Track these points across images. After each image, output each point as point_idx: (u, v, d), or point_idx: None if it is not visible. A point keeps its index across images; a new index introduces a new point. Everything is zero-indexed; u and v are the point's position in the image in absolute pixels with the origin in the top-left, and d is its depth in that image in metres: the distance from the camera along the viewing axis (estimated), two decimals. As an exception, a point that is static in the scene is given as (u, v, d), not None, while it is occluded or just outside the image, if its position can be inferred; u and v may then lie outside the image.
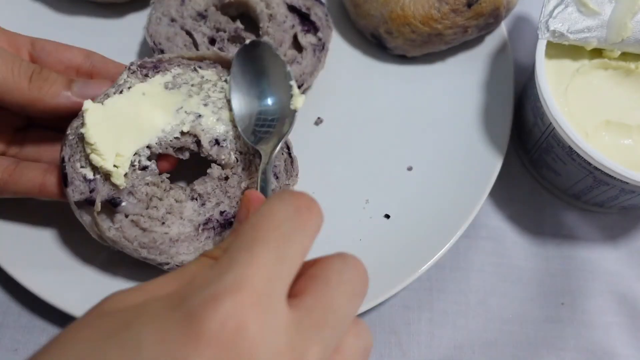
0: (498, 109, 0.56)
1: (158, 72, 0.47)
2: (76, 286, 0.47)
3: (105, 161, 0.43)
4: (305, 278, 0.28)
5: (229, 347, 0.23)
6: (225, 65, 0.49)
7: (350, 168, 0.54)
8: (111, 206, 0.44)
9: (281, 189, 0.47)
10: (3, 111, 0.45)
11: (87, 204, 0.44)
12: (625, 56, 0.50)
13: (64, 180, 0.44)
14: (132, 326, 0.24)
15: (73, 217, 0.45)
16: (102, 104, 0.45)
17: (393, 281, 0.47)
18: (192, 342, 0.23)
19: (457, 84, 0.58)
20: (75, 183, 0.44)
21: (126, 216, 0.44)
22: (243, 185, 0.47)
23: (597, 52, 0.50)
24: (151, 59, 0.48)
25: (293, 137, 0.50)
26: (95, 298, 0.47)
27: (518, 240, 0.55)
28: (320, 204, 0.52)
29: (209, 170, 0.47)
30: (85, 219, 0.44)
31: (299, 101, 0.48)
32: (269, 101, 0.49)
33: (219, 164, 0.47)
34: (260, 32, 0.55)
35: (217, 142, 0.47)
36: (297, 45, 0.55)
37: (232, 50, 0.54)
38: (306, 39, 0.55)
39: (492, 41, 0.59)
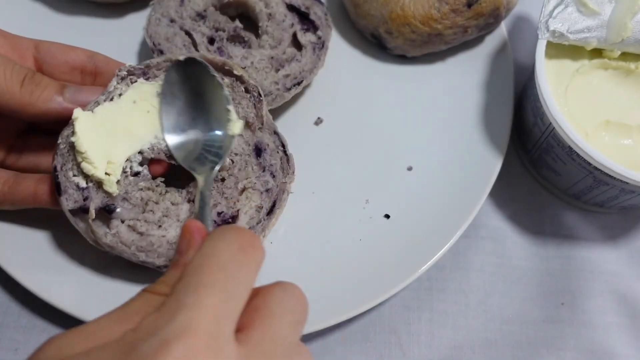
0: (498, 109, 0.56)
1: (147, 77, 0.47)
2: (76, 286, 0.47)
3: (96, 169, 0.43)
4: (249, 311, 0.29)
5: None
6: (216, 67, 0.48)
7: (350, 168, 0.54)
8: (106, 213, 0.44)
9: (278, 187, 0.47)
10: (2, 117, 0.45)
11: (82, 211, 0.44)
12: (625, 56, 0.50)
13: (57, 189, 0.43)
14: None
15: (73, 218, 0.45)
16: (92, 111, 0.44)
17: (393, 281, 0.47)
18: None
19: (457, 84, 0.58)
20: (69, 192, 0.43)
21: (122, 221, 0.44)
22: (240, 185, 0.47)
23: (597, 52, 0.50)
24: (139, 65, 0.47)
25: (293, 137, 0.50)
26: (95, 298, 0.47)
27: (518, 240, 0.55)
28: (320, 204, 0.53)
29: None
30: (80, 225, 0.44)
31: (236, 127, 0.46)
32: (207, 126, 0.46)
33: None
34: (260, 31, 0.55)
35: None
36: (296, 43, 0.55)
37: (231, 49, 0.54)
38: (306, 38, 0.55)
39: (492, 41, 0.59)
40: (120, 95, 0.46)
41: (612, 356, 0.50)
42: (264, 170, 0.48)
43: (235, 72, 0.48)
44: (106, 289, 0.47)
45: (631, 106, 0.49)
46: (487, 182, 0.52)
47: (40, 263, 0.48)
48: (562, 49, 0.50)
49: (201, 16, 0.55)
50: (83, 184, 0.44)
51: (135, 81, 0.46)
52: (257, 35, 0.55)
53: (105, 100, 0.45)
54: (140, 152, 0.46)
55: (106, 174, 0.44)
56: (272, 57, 0.53)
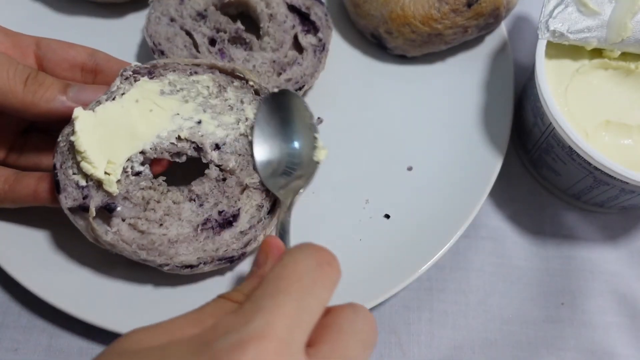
0: (498, 109, 0.56)
1: (153, 77, 0.47)
2: (76, 286, 0.47)
3: (95, 169, 0.43)
4: (320, 327, 0.29)
5: None
6: (222, 71, 0.49)
7: (350, 168, 0.54)
8: (107, 211, 0.44)
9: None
10: (3, 116, 0.45)
11: (81, 209, 0.44)
12: (625, 56, 0.50)
13: (56, 187, 0.43)
14: None
15: (73, 218, 0.45)
16: (94, 111, 0.44)
17: (393, 281, 0.47)
18: None
19: (457, 84, 0.58)
20: (68, 190, 0.43)
21: (123, 220, 0.44)
22: (241, 184, 0.47)
23: (597, 52, 0.50)
24: (145, 64, 0.47)
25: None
26: (95, 297, 0.47)
27: (518, 240, 0.55)
28: (320, 204, 0.53)
29: (206, 171, 0.47)
30: (80, 223, 0.44)
31: (322, 154, 0.49)
32: (295, 149, 0.49)
33: (220, 168, 0.47)
34: (261, 32, 0.55)
35: (217, 146, 0.47)
36: (297, 46, 0.55)
37: (232, 51, 0.54)
38: (306, 40, 0.55)
39: (492, 41, 0.59)
40: (122, 94, 0.45)
41: (612, 356, 0.50)
42: None
43: (246, 77, 0.49)
44: (106, 288, 0.47)
45: (631, 106, 0.49)
46: (487, 182, 0.52)
47: (40, 263, 0.48)
48: (562, 49, 0.50)
49: (202, 16, 0.55)
50: (83, 182, 0.44)
51: (139, 80, 0.46)
52: (259, 37, 0.55)
53: (107, 100, 0.45)
54: (142, 152, 0.45)
55: (106, 173, 0.44)
56: (273, 61, 0.54)
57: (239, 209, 0.46)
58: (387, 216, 0.52)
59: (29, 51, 0.47)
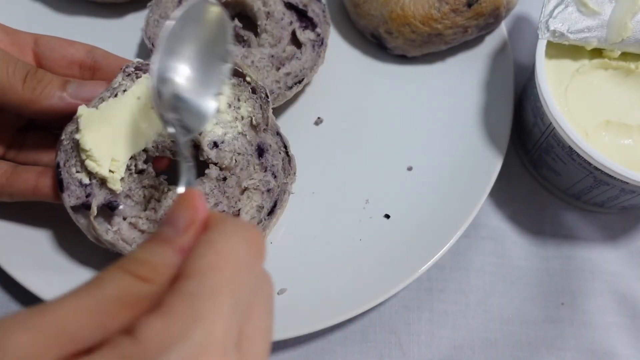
0: (498, 109, 0.56)
1: None
2: (76, 286, 0.47)
3: (100, 167, 0.43)
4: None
5: None
6: None
7: (350, 168, 0.54)
8: (108, 210, 0.44)
9: (280, 187, 0.47)
10: (3, 113, 0.45)
11: (84, 207, 0.44)
12: (625, 56, 0.50)
13: (59, 185, 0.43)
14: None
15: (73, 218, 0.45)
16: (97, 108, 0.44)
17: (393, 281, 0.47)
18: None
19: (457, 84, 0.58)
20: (71, 188, 0.43)
21: (124, 219, 0.44)
22: (241, 185, 0.47)
23: (597, 52, 0.50)
24: (147, 61, 0.47)
25: (293, 137, 0.50)
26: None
27: (518, 240, 0.55)
28: (320, 204, 0.53)
29: (207, 171, 0.47)
30: (81, 222, 0.44)
31: (222, 101, 0.46)
32: (191, 79, 0.39)
33: (218, 166, 0.47)
34: (259, 30, 0.55)
35: (215, 144, 0.47)
36: (295, 41, 0.55)
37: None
38: (305, 35, 0.55)
39: (492, 41, 0.59)
40: (124, 91, 0.45)
41: (612, 356, 0.50)
42: (265, 171, 0.48)
43: (244, 72, 0.48)
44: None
45: (631, 106, 0.49)
46: (487, 182, 0.52)
47: (40, 263, 0.48)
48: (562, 49, 0.50)
49: (201, 16, 0.55)
50: (86, 180, 0.44)
51: (140, 76, 0.46)
52: (257, 34, 0.55)
53: (109, 97, 0.45)
54: (144, 150, 0.45)
55: (110, 171, 0.44)
56: (272, 56, 0.53)
57: (239, 210, 0.46)
58: (387, 216, 0.52)
59: (28, 49, 0.47)
